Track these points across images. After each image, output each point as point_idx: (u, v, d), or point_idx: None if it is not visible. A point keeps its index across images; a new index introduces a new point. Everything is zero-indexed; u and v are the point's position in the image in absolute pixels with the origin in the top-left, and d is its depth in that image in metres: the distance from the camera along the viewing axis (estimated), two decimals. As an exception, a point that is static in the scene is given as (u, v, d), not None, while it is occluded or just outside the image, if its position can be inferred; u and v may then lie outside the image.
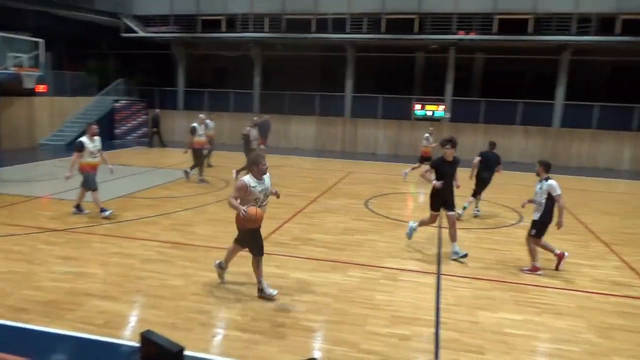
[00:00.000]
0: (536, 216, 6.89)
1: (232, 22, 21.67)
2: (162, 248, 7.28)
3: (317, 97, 21.78)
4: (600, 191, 14.13)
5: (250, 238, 5.63)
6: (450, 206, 7.41)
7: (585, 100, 19.23)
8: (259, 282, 5.66)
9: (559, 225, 6.77)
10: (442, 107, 20.23)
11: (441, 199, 7.43)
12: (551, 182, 6.76)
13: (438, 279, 6.57)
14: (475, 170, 9.75)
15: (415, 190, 12.92)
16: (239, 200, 5.40)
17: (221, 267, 6.03)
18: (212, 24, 21.97)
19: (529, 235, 6.97)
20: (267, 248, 5.92)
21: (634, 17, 17.24)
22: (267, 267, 5.97)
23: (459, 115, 20.21)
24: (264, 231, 5.84)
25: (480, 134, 19.51)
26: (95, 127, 8.92)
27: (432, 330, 5.11)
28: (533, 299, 6.03)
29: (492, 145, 10.07)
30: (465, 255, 7.26)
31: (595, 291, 6.40)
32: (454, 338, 4.95)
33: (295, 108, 21.73)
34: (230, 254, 5.95)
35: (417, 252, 7.61)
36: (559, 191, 6.71)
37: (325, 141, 21.46)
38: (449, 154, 7.33)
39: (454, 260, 7.26)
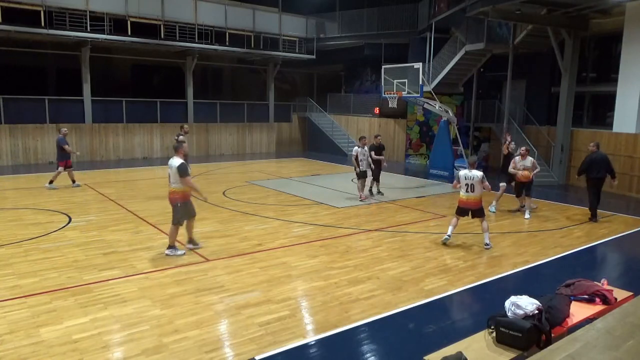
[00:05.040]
0: None
1: None
2: None
3: None
4: (143, 179, 15.18)
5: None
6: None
7: (112, 95, 20.07)
8: None
9: None
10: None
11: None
12: None
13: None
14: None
15: None
16: None
17: None
18: None
19: None
20: None
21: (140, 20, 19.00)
22: None
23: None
24: None
25: (5, 134, 17.36)
26: None
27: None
28: (97, 295, 5.92)
29: None
30: None
31: (152, 270, 6.89)
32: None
33: None
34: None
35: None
36: None
37: None
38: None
39: None
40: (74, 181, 13.34)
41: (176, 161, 7.43)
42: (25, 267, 6.88)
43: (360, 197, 12.26)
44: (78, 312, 5.46)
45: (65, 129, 13.54)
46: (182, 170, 7.36)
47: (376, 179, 12.82)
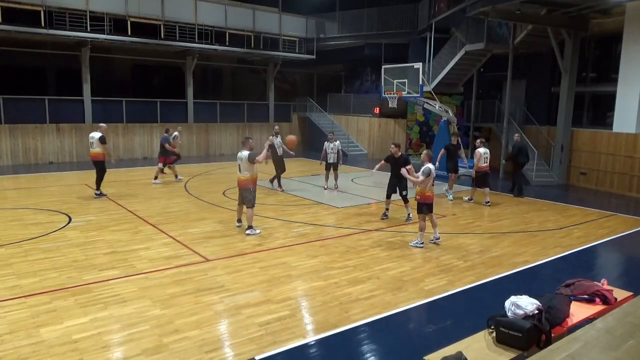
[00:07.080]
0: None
1: None
2: None
3: None
4: (143, 179, 15.16)
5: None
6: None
7: (112, 95, 20.07)
8: None
9: None
10: None
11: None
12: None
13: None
14: None
15: None
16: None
17: None
18: None
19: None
20: None
21: (140, 21, 19.00)
22: None
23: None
24: None
25: (5, 134, 17.37)
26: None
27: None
28: (97, 295, 5.92)
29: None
30: None
31: (152, 270, 6.89)
32: (16, 370, 4.27)
33: None
34: None
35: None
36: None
37: None
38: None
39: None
40: (176, 176, 14.58)
41: (245, 153, 8.80)
42: (25, 267, 6.88)
43: (325, 187, 13.79)
44: (78, 312, 5.46)
45: (169, 129, 14.66)
46: (252, 157, 8.71)
47: (399, 196, 10.26)
